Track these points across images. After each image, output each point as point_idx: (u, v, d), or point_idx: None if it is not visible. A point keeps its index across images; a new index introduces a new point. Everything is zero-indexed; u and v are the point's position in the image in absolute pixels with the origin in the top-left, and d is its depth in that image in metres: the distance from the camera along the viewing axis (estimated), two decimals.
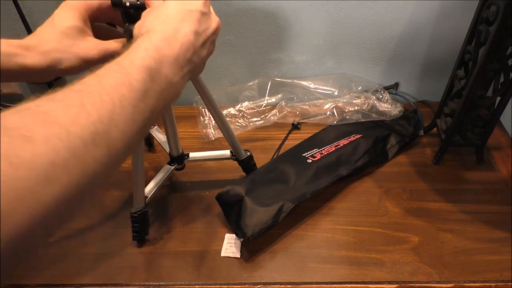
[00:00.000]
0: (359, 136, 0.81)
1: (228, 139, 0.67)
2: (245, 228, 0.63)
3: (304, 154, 0.76)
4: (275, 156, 0.82)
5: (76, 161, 0.24)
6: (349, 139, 0.80)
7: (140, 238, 0.66)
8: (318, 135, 0.85)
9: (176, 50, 0.34)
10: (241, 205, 0.65)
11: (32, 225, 0.22)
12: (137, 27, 0.37)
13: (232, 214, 0.66)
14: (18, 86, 0.95)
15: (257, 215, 0.64)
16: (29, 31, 0.82)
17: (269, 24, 0.85)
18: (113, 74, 0.30)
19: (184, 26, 0.36)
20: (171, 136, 0.66)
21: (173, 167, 0.70)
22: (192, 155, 0.72)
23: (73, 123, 0.25)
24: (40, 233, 0.23)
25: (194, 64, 0.36)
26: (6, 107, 0.90)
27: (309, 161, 0.74)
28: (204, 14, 0.38)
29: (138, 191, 0.62)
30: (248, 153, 0.72)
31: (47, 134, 0.23)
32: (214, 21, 0.39)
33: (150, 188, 0.66)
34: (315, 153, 0.77)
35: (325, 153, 0.76)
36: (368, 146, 0.78)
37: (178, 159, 0.70)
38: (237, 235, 0.66)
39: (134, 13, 0.46)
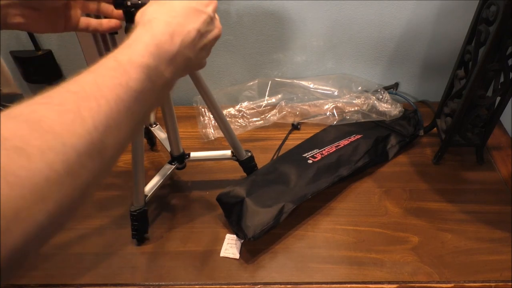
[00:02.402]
0: (359, 136, 0.81)
1: (229, 139, 0.67)
2: (246, 229, 0.63)
3: (304, 155, 0.76)
4: (275, 157, 0.82)
5: (70, 175, 0.24)
6: (349, 140, 0.80)
7: (139, 236, 0.66)
8: (318, 136, 0.85)
9: (176, 46, 0.33)
10: (242, 206, 0.65)
11: (25, 242, 0.22)
12: (140, 14, 0.35)
13: (233, 215, 0.66)
14: (18, 86, 0.95)
15: (258, 216, 0.64)
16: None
17: (269, 24, 0.85)
18: (110, 72, 0.28)
19: (189, 23, 0.35)
20: (172, 136, 0.66)
21: (174, 166, 0.70)
22: (193, 154, 0.72)
23: (69, 133, 0.24)
24: (33, 247, 0.23)
25: (191, 63, 0.36)
26: (6, 107, 0.89)
27: (310, 161, 0.74)
28: (211, 18, 0.38)
29: (138, 189, 0.62)
30: (249, 154, 0.72)
31: (43, 148, 0.23)
32: (217, 27, 0.39)
33: (150, 187, 0.66)
34: (315, 154, 0.76)
35: (326, 154, 0.76)
36: (368, 146, 0.78)
37: (179, 158, 0.70)
38: (238, 236, 0.66)
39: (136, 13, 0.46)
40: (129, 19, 0.46)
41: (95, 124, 0.25)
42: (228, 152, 0.72)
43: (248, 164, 0.72)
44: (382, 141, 0.81)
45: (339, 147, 0.78)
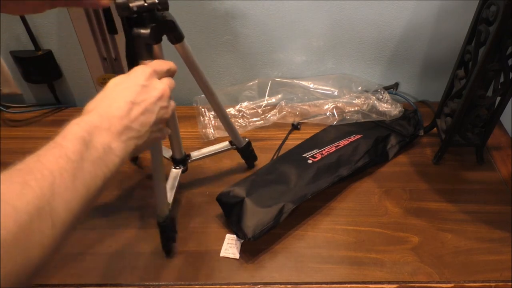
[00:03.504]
0: (359, 136, 0.81)
1: (227, 126, 0.68)
2: (246, 229, 0.63)
3: (304, 155, 0.76)
4: (275, 157, 0.82)
5: (24, 236, 0.27)
6: (349, 140, 0.80)
7: (170, 246, 0.65)
8: (318, 136, 0.85)
9: (107, 122, 0.37)
10: (241, 206, 0.65)
11: None
12: (87, 106, 0.39)
13: (233, 216, 0.66)
14: (18, 86, 0.95)
15: (258, 216, 0.64)
16: (29, 31, 0.82)
17: (269, 24, 0.85)
18: (50, 151, 0.32)
19: (118, 100, 0.39)
20: (174, 138, 0.66)
21: (180, 169, 0.70)
22: (194, 154, 0.72)
23: (19, 199, 0.27)
24: None
25: (136, 129, 0.39)
26: (6, 107, 0.90)
27: (310, 161, 0.74)
28: (145, 87, 0.41)
29: (162, 200, 0.61)
30: (247, 140, 0.74)
31: None
32: (155, 90, 0.42)
33: (168, 196, 0.65)
34: (315, 154, 0.76)
35: (326, 154, 0.76)
36: (368, 146, 0.78)
37: (182, 161, 0.70)
38: (238, 236, 0.66)
39: (137, 18, 0.46)
40: (128, 24, 0.46)
41: (42, 191, 0.29)
42: (226, 143, 0.74)
43: (246, 150, 0.74)
44: (382, 141, 0.81)
45: (339, 147, 0.78)
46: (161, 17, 0.49)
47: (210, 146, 0.75)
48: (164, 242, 0.64)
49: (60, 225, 0.30)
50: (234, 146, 0.73)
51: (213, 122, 0.88)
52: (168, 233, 0.64)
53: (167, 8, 0.47)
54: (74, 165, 0.32)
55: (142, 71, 0.42)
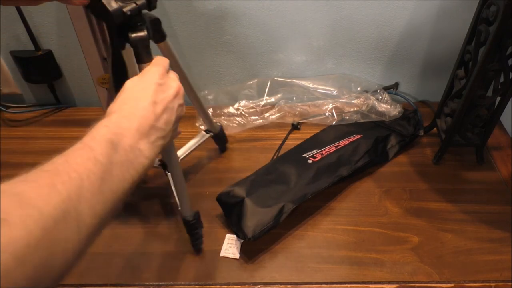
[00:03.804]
0: (359, 136, 0.81)
1: (201, 111, 0.71)
2: (246, 229, 0.63)
3: (304, 155, 0.76)
4: (275, 157, 0.82)
5: (48, 241, 0.26)
6: (349, 140, 0.80)
7: (200, 244, 0.65)
8: (318, 136, 0.85)
9: (135, 122, 0.37)
10: (241, 206, 0.65)
11: None
12: (109, 108, 0.39)
13: (233, 215, 0.66)
14: (18, 86, 0.95)
15: (258, 216, 0.64)
16: (29, 31, 0.82)
17: (269, 24, 0.85)
18: (79, 152, 0.32)
19: (141, 101, 0.39)
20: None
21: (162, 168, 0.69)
22: (179, 153, 0.72)
23: (45, 203, 0.27)
24: None
25: (161, 129, 0.39)
26: (6, 107, 0.90)
27: (310, 161, 0.74)
28: (161, 85, 0.41)
29: (184, 197, 0.61)
30: (219, 124, 0.78)
31: (23, 217, 0.25)
32: (172, 88, 0.42)
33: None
34: (315, 154, 0.76)
35: (326, 154, 0.76)
36: (368, 146, 0.78)
37: (164, 165, 0.69)
38: (238, 236, 0.66)
39: (130, 23, 0.45)
40: (117, 33, 0.45)
41: (69, 195, 0.28)
42: (203, 133, 0.77)
43: (221, 136, 0.79)
44: (382, 141, 0.81)
45: (339, 147, 0.78)
46: (148, 16, 0.47)
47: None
48: (194, 240, 0.64)
49: (85, 230, 0.30)
50: (211, 133, 0.76)
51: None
52: (198, 231, 0.64)
53: (155, 6, 0.47)
54: (102, 168, 0.31)
55: (155, 70, 0.42)
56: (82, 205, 0.29)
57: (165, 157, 0.58)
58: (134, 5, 0.44)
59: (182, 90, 0.44)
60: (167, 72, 0.44)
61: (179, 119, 0.43)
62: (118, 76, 0.47)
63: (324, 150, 0.78)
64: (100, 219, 0.31)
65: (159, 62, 0.44)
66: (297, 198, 0.67)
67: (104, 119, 0.36)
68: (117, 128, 0.35)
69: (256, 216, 0.64)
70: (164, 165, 0.69)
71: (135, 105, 0.38)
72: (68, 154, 0.31)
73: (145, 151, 0.36)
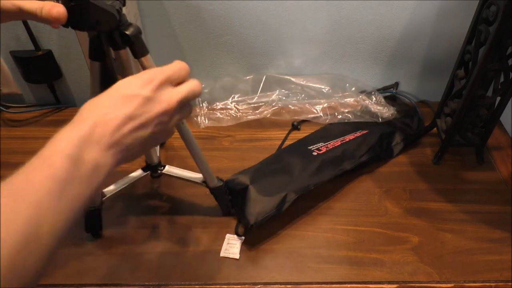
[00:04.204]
0: (365, 132, 0.82)
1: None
2: (249, 216, 0.64)
3: (310, 147, 0.77)
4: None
5: (13, 268, 0.27)
6: (355, 135, 0.81)
7: (230, 207, 0.68)
8: (324, 129, 0.85)
9: (98, 132, 0.34)
10: (245, 193, 0.66)
11: None
12: (81, 110, 0.37)
13: (237, 202, 0.67)
14: (18, 86, 0.95)
15: (261, 204, 0.65)
16: (29, 31, 0.82)
17: (269, 24, 0.85)
18: (39, 167, 0.31)
19: (116, 110, 0.35)
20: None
21: (146, 173, 0.69)
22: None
23: (8, 228, 0.27)
24: None
25: (129, 146, 0.36)
26: (6, 107, 0.89)
27: (315, 153, 0.75)
28: (148, 99, 0.37)
29: (206, 169, 0.63)
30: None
31: None
32: (161, 103, 0.37)
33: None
34: (320, 147, 0.77)
35: (331, 147, 0.77)
36: (373, 142, 0.79)
37: (153, 167, 0.69)
38: (240, 222, 0.67)
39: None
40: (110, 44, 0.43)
41: (29, 218, 0.29)
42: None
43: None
44: (387, 138, 0.82)
45: (344, 141, 0.79)
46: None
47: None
48: (224, 205, 0.67)
49: (45, 250, 0.30)
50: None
51: (205, 110, 0.89)
52: (226, 196, 0.67)
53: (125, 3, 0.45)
54: (61, 186, 0.31)
55: (151, 78, 0.37)
56: (43, 227, 0.29)
57: (182, 136, 0.57)
58: (116, 0, 0.42)
59: (172, 106, 0.38)
60: (173, 83, 0.39)
61: (158, 135, 0.39)
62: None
63: (329, 143, 0.78)
64: (59, 236, 0.31)
65: (166, 70, 0.39)
66: (300, 188, 0.68)
67: (67, 127, 0.34)
68: (77, 140, 0.33)
69: (259, 204, 0.65)
70: (153, 168, 0.68)
71: (107, 113, 0.35)
72: (28, 172, 0.31)
73: (104, 167, 0.35)
